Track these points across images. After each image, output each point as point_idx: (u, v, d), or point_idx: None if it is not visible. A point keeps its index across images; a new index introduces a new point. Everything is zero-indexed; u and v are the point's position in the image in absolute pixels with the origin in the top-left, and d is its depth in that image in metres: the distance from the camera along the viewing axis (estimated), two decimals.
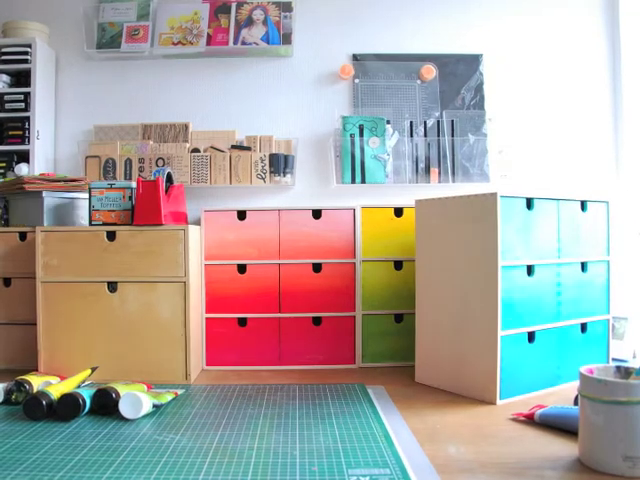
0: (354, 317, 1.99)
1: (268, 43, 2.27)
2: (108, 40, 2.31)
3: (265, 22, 2.29)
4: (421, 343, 1.77)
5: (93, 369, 1.59)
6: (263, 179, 2.22)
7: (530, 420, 1.33)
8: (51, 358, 1.76)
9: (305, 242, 1.99)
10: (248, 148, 2.25)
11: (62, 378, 1.62)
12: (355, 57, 2.35)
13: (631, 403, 1.00)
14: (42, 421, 1.34)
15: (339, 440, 1.20)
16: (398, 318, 2.01)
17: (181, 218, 1.96)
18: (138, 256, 1.76)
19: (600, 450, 1.03)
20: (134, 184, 1.81)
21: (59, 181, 1.96)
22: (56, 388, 1.41)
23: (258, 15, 2.30)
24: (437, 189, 2.32)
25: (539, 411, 1.32)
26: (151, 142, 2.27)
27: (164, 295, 1.75)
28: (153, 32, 2.31)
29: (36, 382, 1.53)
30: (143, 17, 2.33)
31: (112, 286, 1.76)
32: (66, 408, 1.35)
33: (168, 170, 1.89)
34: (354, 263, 2.00)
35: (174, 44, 2.29)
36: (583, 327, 1.74)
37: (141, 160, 2.22)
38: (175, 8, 2.33)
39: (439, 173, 2.29)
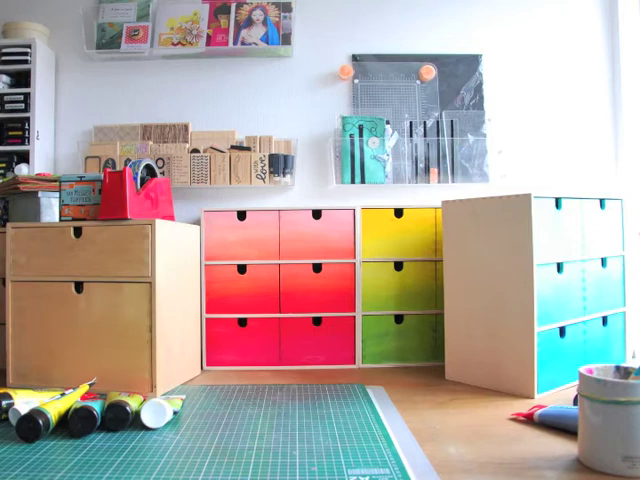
0: (354, 317, 1.99)
1: (268, 43, 2.28)
2: (108, 41, 2.31)
3: (265, 22, 2.29)
4: (451, 342, 1.80)
5: (91, 384, 1.48)
6: (263, 179, 2.22)
7: (529, 420, 1.34)
8: (19, 361, 1.68)
9: (305, 242, 1.99)
10: (248, 148, 2.25)
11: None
12: (355, 57, 2.36)
13: (630, 403, 1.00)
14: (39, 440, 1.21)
15: (339, 440, 1.21)
16: (398, 319, 2.01)
17: (162, 216, 1.83)
18: (104, 254, 1.63)
19: (599, 450, 1.03)
20: None
21: (55, 181, 1.93)
22: (53, 406, 1.26)
23: (258, 15, 2.30)
24: (437, 189, 2.32)
25: (538, 411, 1.32)
26: (151, 142, 2.27)
27: (129, 297, 1.60)
28: (153, 32, 2.31)
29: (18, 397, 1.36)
30: (143, 17, 2.33)
31: (78, 286, 1.64)
32: (79, 423, 1.24)
33: (147, 162, 1.77)
34: (354, 263, 2.00)
35: (174, 44, 2.29)
36: (604, 320, 1.81)
37: None
38: (175, 9, 2.33)
39: (438, 173, 2.29)
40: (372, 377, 1.82)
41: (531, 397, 1.56)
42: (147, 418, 1.29)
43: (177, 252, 1.76)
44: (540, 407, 1.34)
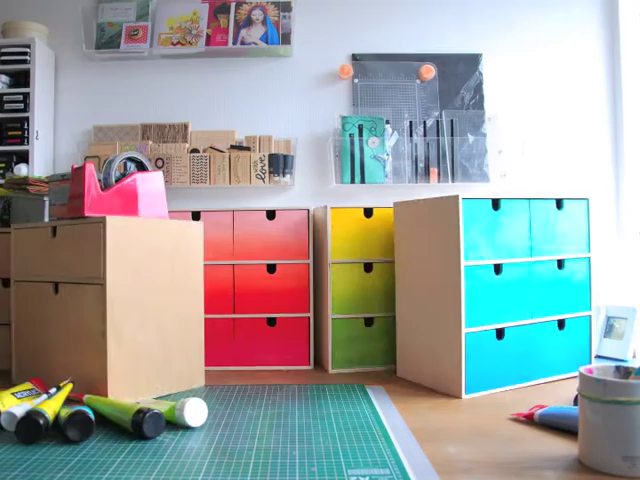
0: (308, 318, 1.96)
1: (267, 43, 2.27)
2: (107, 40, 2.31)
3: (264, 22, 2.29)
4: (400, 341, 1.83)
5: (72, 382, 1.44)
6: (262, 179, 2.22)
7: (530, 420, 1.33)
8: (20, 361, 1.70)
9: (259, 243, 1.96)
10: (247, 148, 2.25)
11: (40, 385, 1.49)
12: (354, 57, 2.36)
13: (631, 403, 1.00)
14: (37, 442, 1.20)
15: (338, 440, 1.20)
16: (368, 322, 1.94)
17: (148, 214, 1.68)
18: (72, 253, 1.56)
19: (600, 450, 1.03)
20: (87, 175, 1.58)
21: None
22: (48, 405, 1.25)
23: (257, 15, 2.30)
24: (436, 189, 2.32)
25: (539, 411, 1.32)
26: (150, 142, 2.27)
27: (88, 299, 1.50)
28: (152, 32, 2.31)
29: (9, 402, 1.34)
30: (142, 17, 2.33)
31: (56, 287, 1.60)
32: (77, 428, 1.21)
33: (129, 156, 1.66)
34: (308, 264, 1.95)
35: (173, 44, 2.29)
36: (560, 324, 1.75)
37: None
38: (174, 8, 2.33)
39: (438, 173, 2.29)
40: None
41: (459, 397, 1.56)
42: (191, 417, 1.29)
43: (153, 252, 1.60)
44: (540, 407, 1.34)
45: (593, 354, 1.81)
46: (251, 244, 1.97)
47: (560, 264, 1.75)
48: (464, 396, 1.56)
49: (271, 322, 1.96)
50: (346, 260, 1.91)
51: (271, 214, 1.98)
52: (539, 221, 1.71)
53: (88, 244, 1.50)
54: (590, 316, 1.80)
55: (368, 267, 1.93)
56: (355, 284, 1.92)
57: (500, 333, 1.64)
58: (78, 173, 1.55)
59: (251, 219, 1.97)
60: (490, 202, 1.64)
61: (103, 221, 1.47)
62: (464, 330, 1.57)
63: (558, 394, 1.57)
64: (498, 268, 1.64)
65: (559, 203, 1.75)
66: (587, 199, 1.80)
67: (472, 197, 1.60)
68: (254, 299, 1.95)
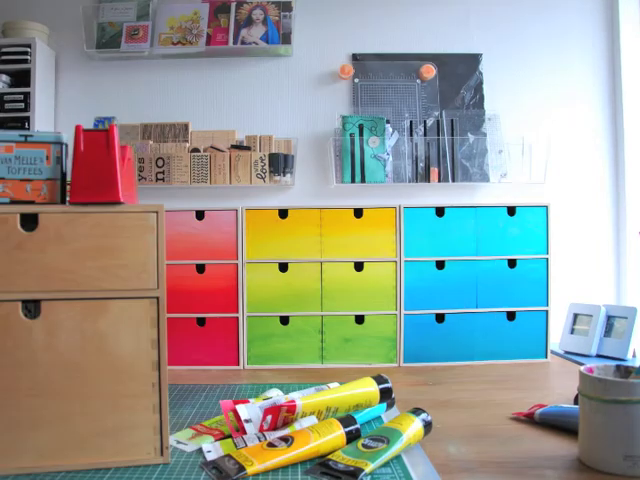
0: (237, 318, 1.93)
1: (268, 43, 2.27)
2: (108, 40, 2.31)
3: (265, 22, 2.29)
4: None
5: None
6: (263, 179, 2.22)
7: (530, 419, 1.34)
8: None
9: (189, 243, 1.92)
10: (248, 148, 2.25)
11: None
12: (355, 57, 2.36)
13: (631, 402, 1.00)
14: None
15: None
16: (284, 320, 1.94)
17: (133, 198, 1.26)
18: (78, 256, 1.08)
19: (600, 449, 1.03)
20: (65, 137, 1.12)
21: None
22: None
23: (258, 15, 2.30)
24: (437, 189, 2.32)
25: (539, 410, 1.32)
26: (151, 142, 2.27)
27: (122, 321, 1.08)
28: (153, 32, 2.31)
29: None
30: (143, 17, 2.33)
31: (32, 307, 1.07)
32: None
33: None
34: (237, 264, 1.92)
35: (174, 44, 2.29)
36: (511, 315, 1.94)
37: (141, 160, 2.22)
38: (175, 8, 2.33)
39: (439, 173, 2.29)
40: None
41: (398, 365, 1.91)
42: None
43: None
44: (540, 406, 1.34)
45: (549, 346, 1.96)
46: (181, 245, 1.93)
47: (512, 263, 1.93)
48: (402, 364, 1.89)
49: (201, 322, 1.95)
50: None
51: (200, 214, 1.93)
52: (487, 226, 1.92)
53: (128, 242, 1.09)
54: (547, 311, 1.96)
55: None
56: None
57: (440, 317, 1.91)
58: (98, 139, 1.08)
59: (180, 219, 1.92)
60: (434, 210, 1.91)
61: (159, 210, 1.07)
62: (403, 312, 1.89)
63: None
64: (441, 264, 1.92)
65: (511, 210, 1.93)
66: (546, 206, 1.95)
67: (415, 206, 1.90)
68: (184, 299, 1.93)
